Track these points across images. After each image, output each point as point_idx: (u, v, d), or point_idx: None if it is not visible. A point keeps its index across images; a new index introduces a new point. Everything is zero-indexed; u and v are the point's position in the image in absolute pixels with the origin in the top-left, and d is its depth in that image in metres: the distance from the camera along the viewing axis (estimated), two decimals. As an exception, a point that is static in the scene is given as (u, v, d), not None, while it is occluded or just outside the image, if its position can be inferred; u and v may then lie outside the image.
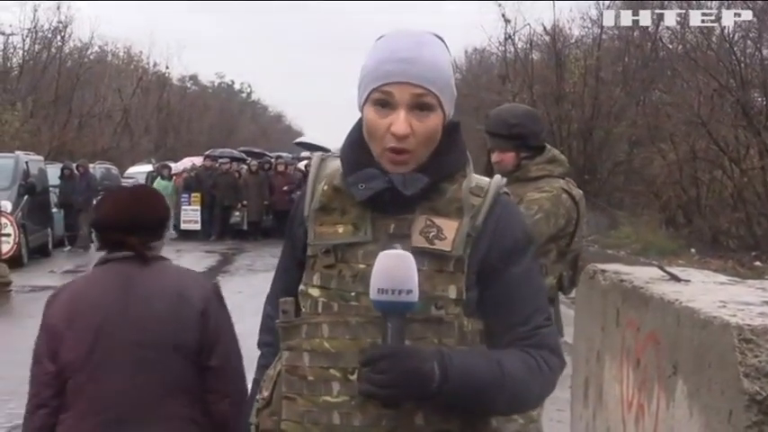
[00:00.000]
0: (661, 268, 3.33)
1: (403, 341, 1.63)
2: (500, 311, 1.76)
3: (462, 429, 1.72)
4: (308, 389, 1.73)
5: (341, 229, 1.75)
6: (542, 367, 1.74)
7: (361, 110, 1.78)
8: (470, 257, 1.73)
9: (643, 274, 3.29)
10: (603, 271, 3.56)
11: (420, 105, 1.72)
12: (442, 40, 1.81)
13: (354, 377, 1.68)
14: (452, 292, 1.71)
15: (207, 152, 24.81)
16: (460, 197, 1.75)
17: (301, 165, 22.38)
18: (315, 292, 1.75)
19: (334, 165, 1.83)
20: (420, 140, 1.72)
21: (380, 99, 1.73)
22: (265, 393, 1.83)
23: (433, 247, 1.71)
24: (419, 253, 1.66)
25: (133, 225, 2.53)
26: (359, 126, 1.81)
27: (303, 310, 1.77)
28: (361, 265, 1.72)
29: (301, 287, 1.78)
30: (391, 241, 1.70)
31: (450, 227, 1.72)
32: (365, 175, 1.74)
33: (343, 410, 1.70)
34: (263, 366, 1.91)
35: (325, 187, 1.79)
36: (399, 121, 1.70)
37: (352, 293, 1.72)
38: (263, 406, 1.83)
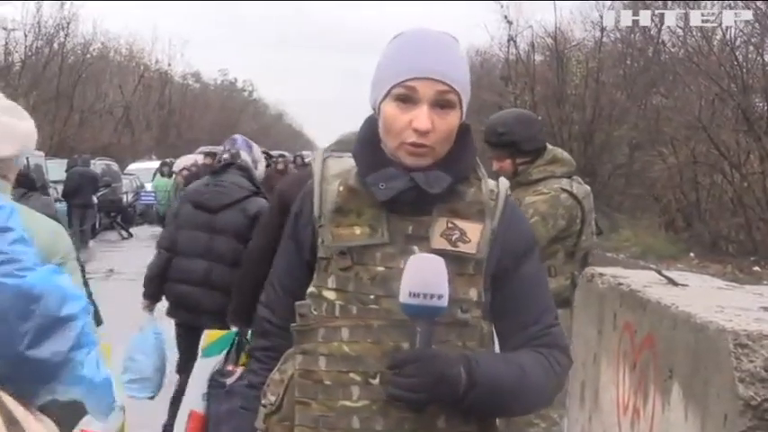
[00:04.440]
0: (659, 272, 3.33)
1: (431, 345, 1.62)
2: (512, 312, 1.76)
3: (480, 431, 1.73)
4: (324, 393, 1.70)
5: (357, 231, 1.72)
6: (554, 367, 1.75)
7: (378, 106, 1.75)
8: (487, 260, 1.73)
9: (641, 278, 3.29)
10: (601, 274, 3.56)
11: (442, 102, 1.70)
12: (457, 42, 1.80)
13: (376, 381, 1.66)
14: (474, 295, 1.70)
15: (200, 149, 24.65)
16: (482, 200, 1.74)
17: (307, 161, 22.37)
18: (330, 294, 1.72)
19: (341, 164, 1.80)
20: (440, 137, 1.70)
21: (402, 94, 1.70)
22: (272, 398, 1.78)
23: (457, 249, 1.69)
24: (440, 255, 1.64)
25: None
26: (369, 124, 1.80)
27: (315, 312, 1.73)
28: (380, 268, 1.70)
29: (312, 289, 1.74)
30: (408, 243, 1.69)
31: (473, 229, 1.71)
32: (386, 174, 1.71)
33: (364, 415, 1.67)
34: (261, 370, 1.87)
35: (341, 188, 1.76)
36: (422, 117, 1.68)
37: (371, 296, 1.69)
38: (271, 411, 1.78)
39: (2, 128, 2.18)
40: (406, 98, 1.70)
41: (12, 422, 1.39)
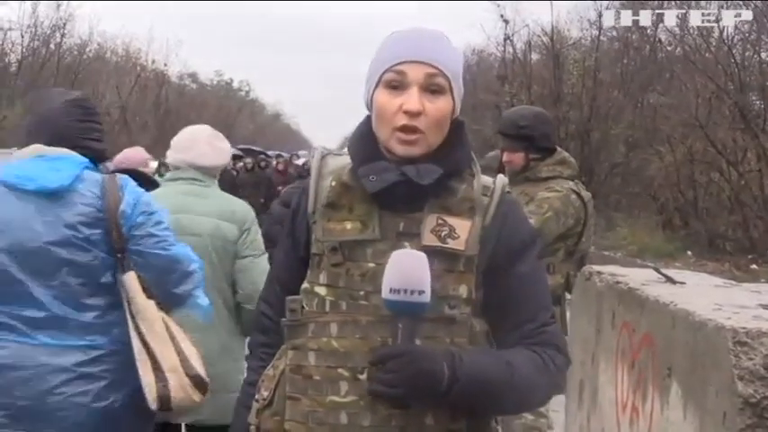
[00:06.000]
0: (657, 270, 3.33)
1: (413, 341, 1.62)
2: (507, 310, 1.75)
3: (469, 429, 1.72)
4: (314, 388, 1.70)
5: (349, 226, 1.73)
6: (549, 366, 1.74)
7: (370, 100, 1.76)
8: (479, 257, 1.72)
9: (639, 277, 3.29)
10: (599, 273, 3.55)
11: (432, 87, 1.71)
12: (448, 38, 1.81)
13: (364, 377, 1.67)
14: (464, 292, 1.70)
15: None
16: (473, 197, 1.74)
17: (299, 162, 22.40)
18: (322, 290, 1.73)
19: (338, 161, 1.81)
20: (431, 122, 1.70)
21: (393, 80, 1.71)
22: (265, 393, 1.79)
23: (446, 245, 1.69)
24: (430, 252, 1.64)
25: None
26: (366, 120, 1.80)
27: (307, 308, 1.74)
28: (371, 264, 1.70)
29: (306, 285, 1.75)
30: (400, 240, 1.69)
31: (463, 226, 1.71)
32: (377, 167, 1.72)
33: (352, 410, 1.68)
34: (259, 367, 1.87)
35: (333, 183, 1.76)
36: (412, 99, 1.69)
37: (361, 292, 1.70)
38: (263, 406, 1.79)
39: (217, 148, 3.61)
40: (397, 84, 1.71)
41: (170, 333, 2.55)
